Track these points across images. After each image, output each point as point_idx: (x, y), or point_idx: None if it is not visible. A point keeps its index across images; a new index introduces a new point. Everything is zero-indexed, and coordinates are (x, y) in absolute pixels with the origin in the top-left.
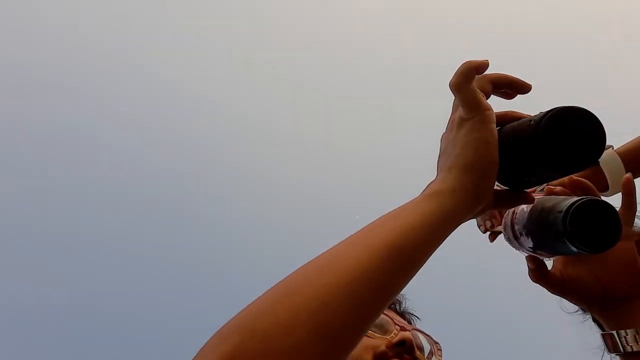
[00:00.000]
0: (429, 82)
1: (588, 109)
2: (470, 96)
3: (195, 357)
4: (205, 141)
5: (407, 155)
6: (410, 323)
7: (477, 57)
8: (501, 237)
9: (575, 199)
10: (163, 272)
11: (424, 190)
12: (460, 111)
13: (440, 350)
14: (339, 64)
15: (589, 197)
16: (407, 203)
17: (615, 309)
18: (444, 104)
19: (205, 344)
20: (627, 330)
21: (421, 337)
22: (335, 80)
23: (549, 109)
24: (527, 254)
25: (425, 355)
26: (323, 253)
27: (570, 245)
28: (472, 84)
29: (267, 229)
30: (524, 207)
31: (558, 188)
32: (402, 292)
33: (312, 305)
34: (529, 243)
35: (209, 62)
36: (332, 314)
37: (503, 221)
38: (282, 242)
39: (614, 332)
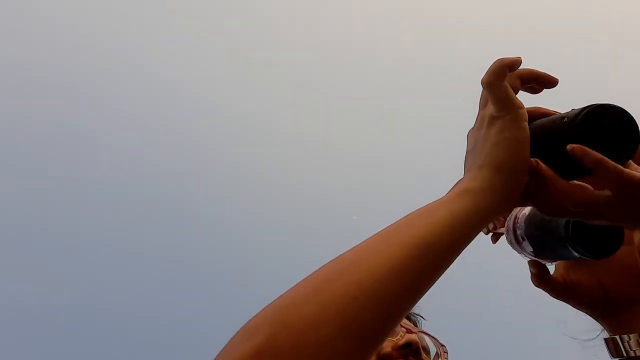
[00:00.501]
0: (429, 82)
1: (622, 107)
2: (503, 94)
3: (222, 350)
4: (205, 141)
5: (406, 156)
6: (416, 325)
7: (477, 57)
8: (504, 238)
9: None
10: (163, 272)
11: (452, 188)
12: (492, 108)
13: (447, 352)
14: (338, 63)
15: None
16: (437, 200)
17: (617, 313)
18: (444, 103)
19: (233, 337)
20: (630, 335)
21: (427, 339)
22: (335, 80)
23: (583, 106)
24: (529, 259)
25: (432, 357)
26: (352, 249)
27: (573, 251)
28: (504, 81)
29: (266, 229)
30: (526, 212)
31: None
32: None
33: (342, 301)
34: (530, 248)
35: (208, 62)
36: (361, 310)
37: (506, 224)
38: (281, 242)
39: (617, 337)
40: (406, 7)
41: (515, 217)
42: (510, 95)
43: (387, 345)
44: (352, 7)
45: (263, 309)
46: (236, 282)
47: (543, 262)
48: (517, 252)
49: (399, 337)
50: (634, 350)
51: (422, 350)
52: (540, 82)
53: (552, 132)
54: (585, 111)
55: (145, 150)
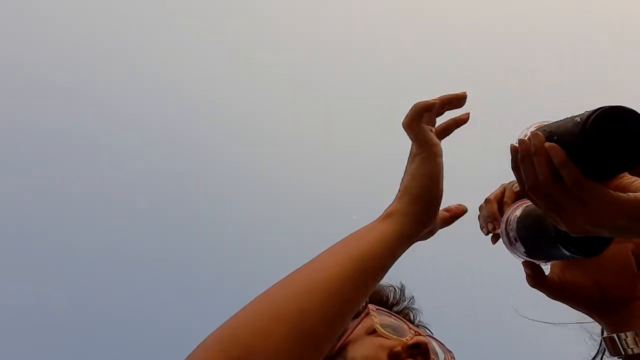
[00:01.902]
0: (428, 82)
1: (634, 109)
2: (419, 134)
3: None
4: (204, 141)
5: (406, 156)
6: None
7: (476, 56)
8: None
9: None
10: (162, 272)
11: (385, 210)
12: (413, 146)
13: (454, 359)
14: (339, 63)
15: None
16: (368, 225)
17: (614, 312)
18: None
19: (189, 354)
20: (627, 333)
21: (435, 344)
22: (335, 80)
23: (594, 109)
24: (523, 260)
25: None
26: (295, 270)
27: (564, 250)
28: (421, 123)
29: (266, 229)
30: (517, 213)
31: None
32: (417, 306)
33: (288, 314)
34: (523, 249)
35: (208, 61)
36: (307, 319)
37: (500, 227)
38: (281, 242)
39: (614, 335)
40: (406, 7)
41: (508, 219)
42: (425, 136)
43: (397, 345)
44: (352, 6)
45: (218, 327)
46: (236, 283)
47: (537, 262)
48: (512, 253)
49: (408, 337)
50: (632, 348)
51: (430, 352)
52: (451, 103)
53: (565, 135)
54: (595, 114)
55: (144, 151)
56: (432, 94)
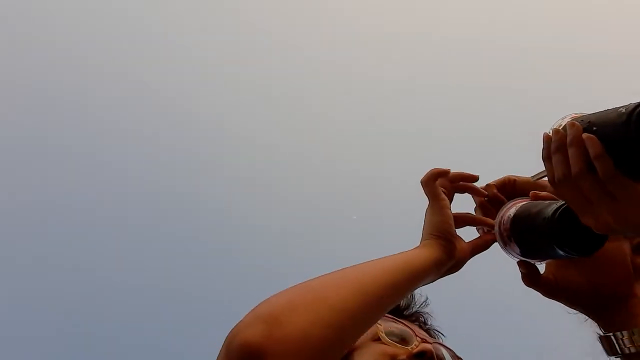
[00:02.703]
0: (429, 85)
1: None
2: (431, 191)
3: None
4: (203, 149)
5: (407, 155)
6: (436, 338)
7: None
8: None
9: (560, 203)
10: (163, 280)
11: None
12: (429, 201)
13: None
14: (338, 66)
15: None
16: (406, 252)
17: (610, 310)
18: (445, 106)
19: (231, 330)
20: (623, 332)
21: (444, 351)
22: (335, 83)
23: (637, 102)
24: (518, 259)
25: None
26: (351, 267)
27: (559, 250)
28: (434, 182)
29: (266, 229)
30: (511, 213)
31: (544, 193)
32: (429, 309)
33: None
34: (517, 249)
35: (208, 76)
36: (343, 310)
37: (494, 227)
38: (282, 242)
39: (611, 335)
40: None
41: (502, 219)
42: (436, 193)
43: (402, 353)
44: (354, 30)
45: (255, 307)
46: (237, 283)
47: (532, 262)
48: (507, 253)
49: (413, 345)
50: (628, 347)
51: None
52: (465, 179)
53: (605, 126)
54: (638, 109)
55: (141, 163)
56: (433, 96)
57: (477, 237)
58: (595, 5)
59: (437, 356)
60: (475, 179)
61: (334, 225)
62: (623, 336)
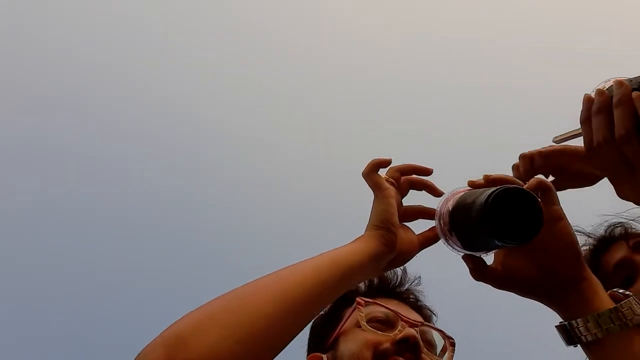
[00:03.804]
0: (429, 85)
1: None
2: (372, 181)
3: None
4: (204, 148)
5: (407, 154)
6: (428, 318)
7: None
8: None
9: (493, 189)
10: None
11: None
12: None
13: (454, 345)
14: (336, 68)
15: (504, 186)
16: (340, 248)
17: (563, 296)
18: (445, 106)
19: (138, 354)
20: (578, 320)
21: (433, 332)
22: (335, 83)
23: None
24: (462, 254)
25: (438, 351)
26: (244, 287)
27: (496, 241)
28: (376, 173)
29: (266, 229)
30: (449, 206)
31: (480, 180)
32: (422, 288)
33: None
34: (459, 242)
35: (209, 79)
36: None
37: (435, 223)
38: (282, 243)
39: (565, 324)
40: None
41: (441, 213)
42: (378, 182)
43: (385, 340)
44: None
45: (166, 329)
46: (236, 284)
47: (477, 255)
48: (451, 249)
49: (397, 331)
50: (585, 336)
51: (422, 346)
52: (417, 172)
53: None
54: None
55: (142, 162)
56: (433, 97)
57: (427, 229)
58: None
59: (424, 339)
60: (428, 172)
61: (334, 225)
62: (578, 324)
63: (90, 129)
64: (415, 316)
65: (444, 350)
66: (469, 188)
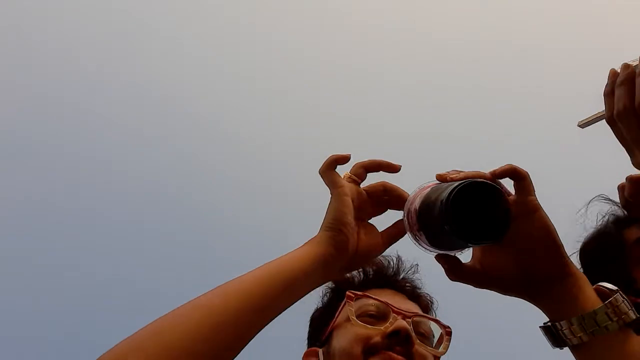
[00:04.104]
0: (429, 84)
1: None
2: (327, 179)
3: None
4: (203, 148)
5: (407, 151)
6: (426, 308)
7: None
8: None
9: (456, 183)
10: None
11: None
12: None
13: (450, 334)
14: (338, 60)
15: (466, 180)
16: (287, 254)
17: (546, 294)
18: (445, 106)
19: None
20: (561, 323)
21: (430, 323)
22: (336, 82)
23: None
24: (435, 254)
25: (435, 340)
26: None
27: (461, 241)
28: (332, 170)
29: (267, 229)
30: (417, 205)
31: (453, 174)
32: (420, 278)
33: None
34: (428, 242)
35: (208, 71)
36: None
37: (404, 222)
38: (282, 243)
39: (549, 325)
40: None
41: (409, 210)
42: (333, 180)
43: (377, 334)
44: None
45: (111, 349)
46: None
47: (451, 254)
48: (423, 249)
49: (388, 324)
50: (569, 339)
51: (414, 337)
52: (383, 168)
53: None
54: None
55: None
56: (434, 96)
57: (391, 225)
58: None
59: (417, 331)
60: (395, 169)
61: None
62: (562, 327)
63: (82, 125)
64: (409, 306)
65: (440, 340)
66: (438, 182)
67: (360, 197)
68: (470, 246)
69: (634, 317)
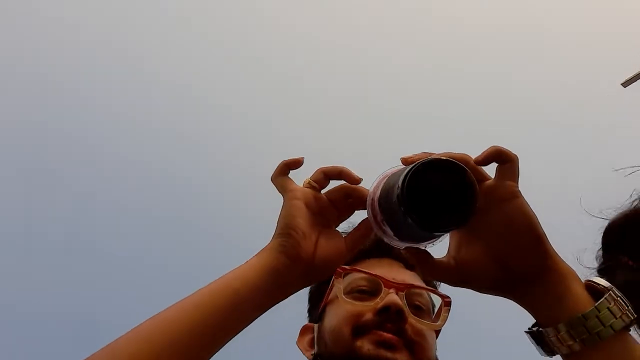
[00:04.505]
0: (431, 83)
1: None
2: (279, 184)
3: None
4: (205, 141)
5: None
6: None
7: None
8: None
9: (410, 166)
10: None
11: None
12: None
13: (449, 304)
14: (340, 64)
15: (425, 159)
16: (234, 270)
17: (528, 292)
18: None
19: None
20: (548, 330)
21: (426, 294)
22: (336, 78)
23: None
24: (402, 247)
25: (435, 311)
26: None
27: (421, 230)
28: (285, 175)
29: (267, 229)
30: (377, 195)
31: (414, 156)
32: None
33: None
34: (393, 235)
35: (214, 65)
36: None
37: (367, 213)
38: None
39: (535, 332)
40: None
41: (372, 199)
42: (283, 185)
43: (368, 311)
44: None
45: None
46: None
47: (421, 246)
48: (392, 243)
49: (378, 299)
50: (558, 347)
51: (407, 312)
52: (343, 177)
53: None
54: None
55: (144, 151)
56: (435, 95)
57: (355, 227)
58: None
59: (412, 303)
60: (355, 180)
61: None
62: (549, 334)
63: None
64: (405, 277)
65: (440, 311)
66: (402, 167)
67: (319, 202)
68: (436, 235)
69: (631, 318)
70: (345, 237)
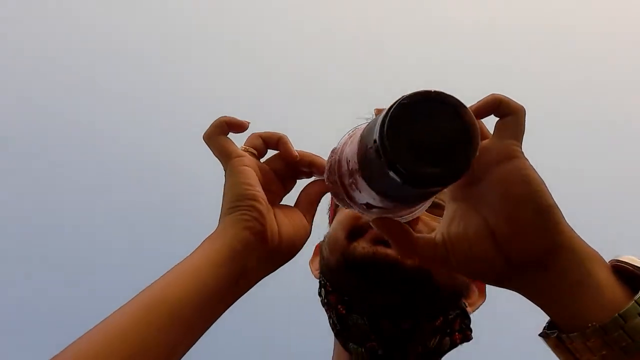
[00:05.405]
0: (431, 76)
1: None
2: (217, 147)
3: None
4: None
5: None
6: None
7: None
8: None
9: (393, 101)
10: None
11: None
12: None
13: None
14: (338, 55)
15: (414, 92)
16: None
17: (533, 281)
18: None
19: None
20: (572, 335)
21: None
22: (336, 74)
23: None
24: (372, 217)
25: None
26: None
27: (397, 179)
28: (223, 136)
29: None
30: (347, 153)
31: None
32: None
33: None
34: (364, 198)
35: (213, 60)
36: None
37: (325, 174)
38: None
39: (556, 337)
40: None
41: (338, 161)
42: (226, 147)
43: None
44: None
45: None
46: None
47: (398, 217)
48: (359, 211)
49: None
50: (581, 354)
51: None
52: (280, 147)
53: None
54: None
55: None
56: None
57: (301, 191)
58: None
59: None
60: (292, 155)
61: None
62: (572, 340)
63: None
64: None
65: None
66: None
67: (265, 173)
68: (426, 194)
69: None
70: (294, 207)
